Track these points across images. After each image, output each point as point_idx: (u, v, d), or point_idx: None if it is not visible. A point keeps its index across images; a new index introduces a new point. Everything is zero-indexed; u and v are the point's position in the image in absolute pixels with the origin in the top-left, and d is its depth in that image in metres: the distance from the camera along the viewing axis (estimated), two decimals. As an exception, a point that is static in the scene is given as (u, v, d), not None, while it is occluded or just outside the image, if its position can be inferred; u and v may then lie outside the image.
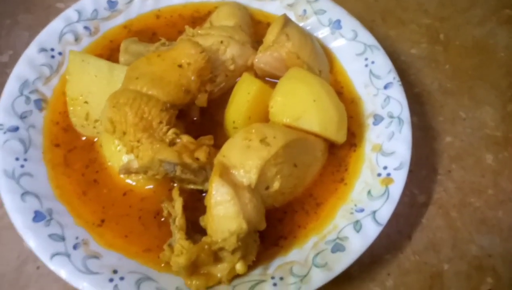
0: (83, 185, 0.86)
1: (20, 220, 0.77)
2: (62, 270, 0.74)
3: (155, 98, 0.82)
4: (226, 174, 0.75)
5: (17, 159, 0.83)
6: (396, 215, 0.88)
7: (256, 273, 0.77)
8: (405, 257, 0.91)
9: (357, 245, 0.79)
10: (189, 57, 0.87)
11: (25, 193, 0.80)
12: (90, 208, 0.83)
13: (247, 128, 0.80)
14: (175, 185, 0.83)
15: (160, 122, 0.80)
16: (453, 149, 1.04)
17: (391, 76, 0.96)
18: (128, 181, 0.87)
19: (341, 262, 0.77)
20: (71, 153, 0.89)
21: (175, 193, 0.79)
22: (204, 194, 0.81)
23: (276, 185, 0.79)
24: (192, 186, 0.82)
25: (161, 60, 0.86)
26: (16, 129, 0.86)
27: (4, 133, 0.85)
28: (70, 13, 1.01)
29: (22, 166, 0.83)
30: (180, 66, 0.86)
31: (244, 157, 0.76)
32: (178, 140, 0.80)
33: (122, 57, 0.95)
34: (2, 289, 0.84)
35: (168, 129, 0.80)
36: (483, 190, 0.99)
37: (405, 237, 0.93)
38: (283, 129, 0.82)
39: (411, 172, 0.97)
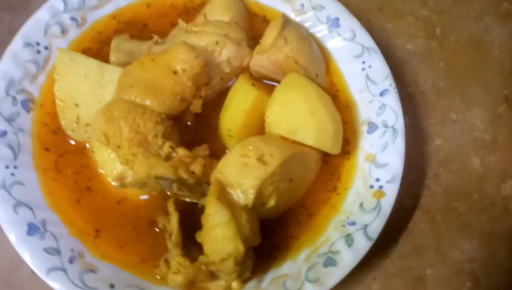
0: (76, 192, 0.85)
1: (13, 233, 0.76)
2: (59, 285, 0.74)
3: (150, 110, 0.79)
4: (223, 194, 0.75)
5: (7, 167, 0.81)
6: (384, 220, 0.91)
7: (250, 286, 0.80)
8: (391, 261, 0.94)
9: (349, 260, 0.80)
10: (184, 63, 0.84)
11: (17, 204, 0.79)
12: (83, 218, 0.83)
13: (244, 144, 0.79)
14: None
15: (156, 136, 0.79)
16: (442, 152, 1.05)
17: (388, 82, 0.94)
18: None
19: (333, 277, 0.79)
20: (62, 158, 0.87)
21: (171, 207, 0.78)
22: (200, 206, 0.81)
23: (272, 201, 0.79)
24: (188, 199, 0.81)
25: (155, 65, 0.84)
26: (4, 134, 0.83)
27: (-8, 139, 0.82)
28: (55, 2, 0.94)
29: (12, 174, 0.81)
30: (175, 72, 0.83)
31: (240, 175, 0.76)
32: (174, 154, 0.79)
33: (112, 56, 0.91)
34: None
35: (164, 143, 0.79)
36: (468, 195, 1.02)
37: (392, 241, 0.96)
38: (280, 144, 0.81)
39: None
